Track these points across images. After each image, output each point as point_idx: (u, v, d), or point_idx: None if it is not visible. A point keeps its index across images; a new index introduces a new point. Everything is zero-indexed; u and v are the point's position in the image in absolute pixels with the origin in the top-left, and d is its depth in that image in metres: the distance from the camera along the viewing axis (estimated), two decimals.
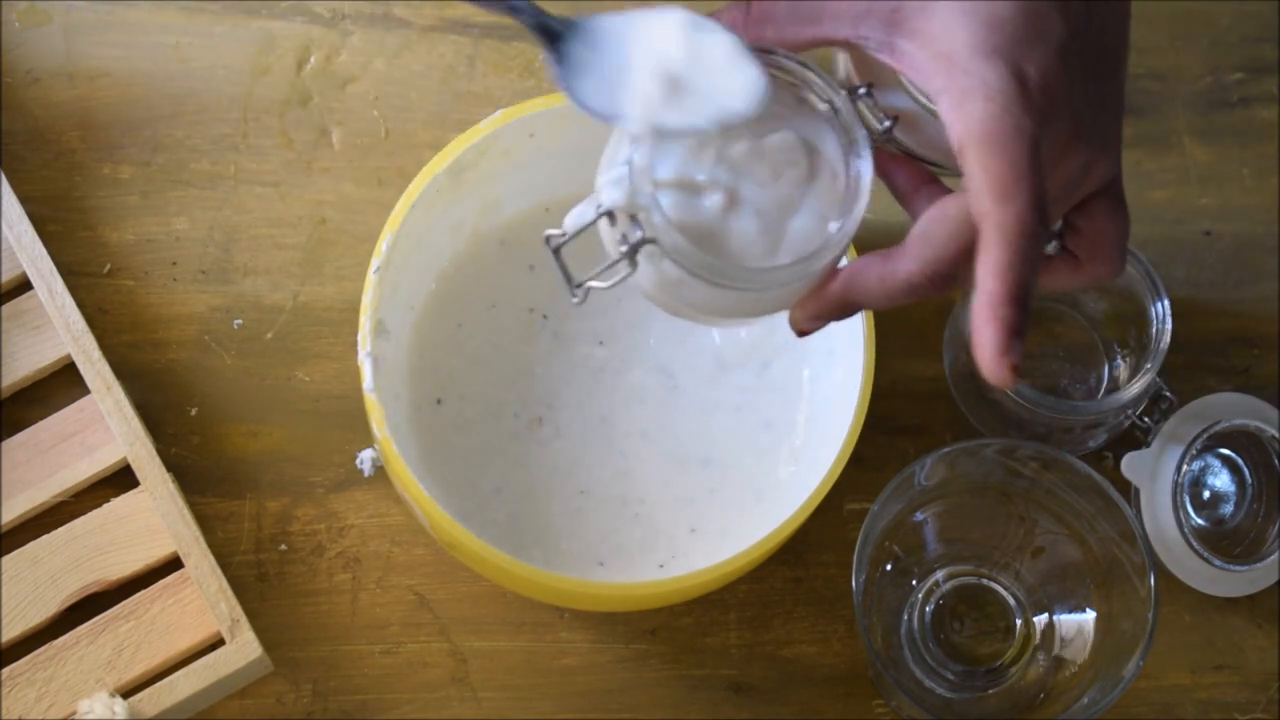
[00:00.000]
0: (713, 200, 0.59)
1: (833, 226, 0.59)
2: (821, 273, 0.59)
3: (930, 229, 0.57)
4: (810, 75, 0.59)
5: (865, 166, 0.59)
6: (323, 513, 0.79)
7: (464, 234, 0.78)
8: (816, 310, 0.60)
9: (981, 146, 0.54)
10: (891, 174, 0.61)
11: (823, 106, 0.60)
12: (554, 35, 0.60)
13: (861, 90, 0.60)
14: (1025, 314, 0.55)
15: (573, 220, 0.60)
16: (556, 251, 0.60)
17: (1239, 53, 0.88)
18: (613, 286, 0.60)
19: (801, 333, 0.61)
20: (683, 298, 0.60)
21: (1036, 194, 0.54)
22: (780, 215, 0.59)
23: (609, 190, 0.58)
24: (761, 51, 0.59)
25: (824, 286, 0.60)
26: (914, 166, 0.61)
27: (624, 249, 0.58)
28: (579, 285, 0.60)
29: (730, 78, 0.59)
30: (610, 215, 0.58)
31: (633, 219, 0.58)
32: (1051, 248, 0.61)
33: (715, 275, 0.58)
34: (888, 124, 0.60)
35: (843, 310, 0.60)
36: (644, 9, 0.61)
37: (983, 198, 0.54)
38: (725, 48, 0.59)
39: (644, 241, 0.58)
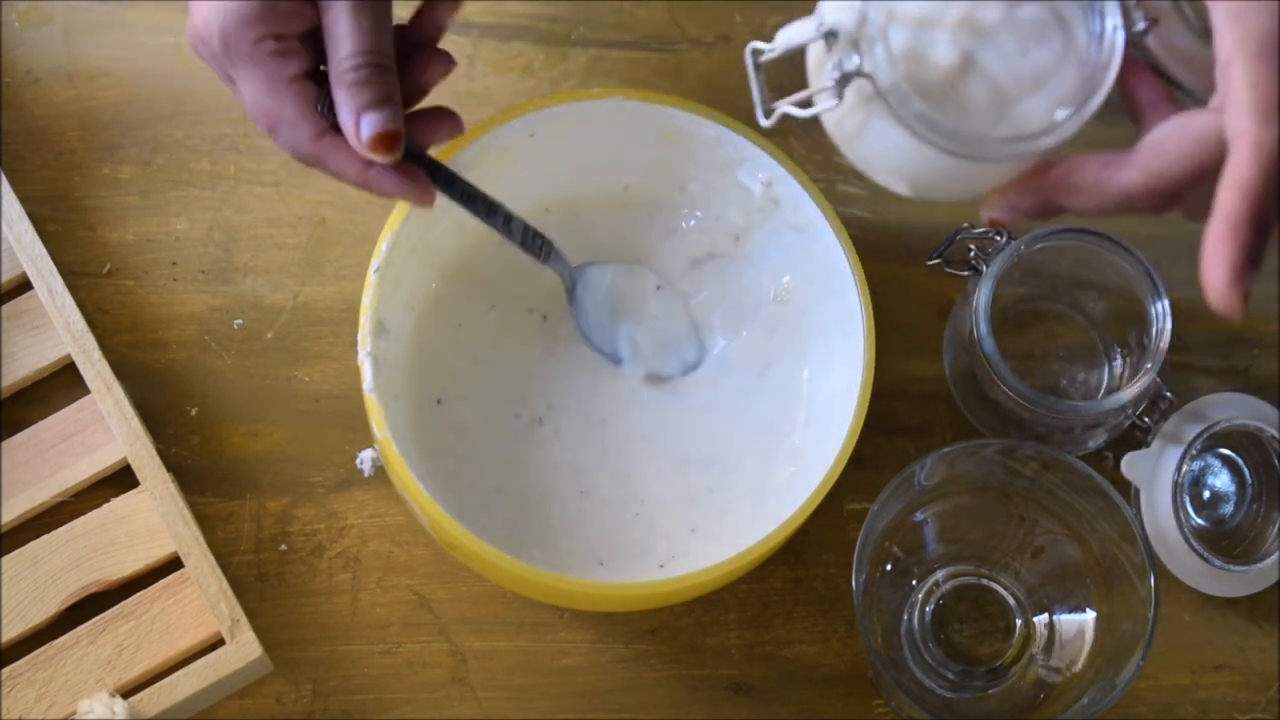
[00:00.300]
0: (948, 57, 0.55)
1: (1060, 114, 0.56)
2: (1033, 160, 0.56)
3: (1166, 141, 0.54)
4: None
5: (1115, 56, 0.56)
6: (323, 513, 0.79)
7: (464, 234, 0.78)
8: (1018, 200, 0.57)
9: (1255, 60, 0.52)
10: (1132, 85, 0.57)
11: None
12: (571, 282, 0.77)
13: None
14: (1264, 242, 0.52)
15: (786, 35, 0.56)
16: (758, 67, 0.57)
17: None
18: (809, 116, 0.56)
19: (992, 222, 0.58)
20: (878, 150, 0.57)
21: None
22: (1015, 92, 0.56)
23: (838, 11, 0.55)
24: None
25: (1030, 177, 0.56)
26: (1156, 80, 0.58)
27: (835, 76, 0.55)
28: (773, 109, 0.57)
29: (687, 333, 0.78)
30: (829, 39, 0.55)
31: (855, 47, 0.54)
32: None
33: (925, 130, 0.55)
34: (1145, 25, 0.57)
35: (1045, 207, 0.57)
36: (619, 264, 0.79)
37: (1244, 113, 0.52)
38: (682, 308, 0.79)
39: (858, 74, 0.54)
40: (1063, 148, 0.56)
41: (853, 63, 0.54)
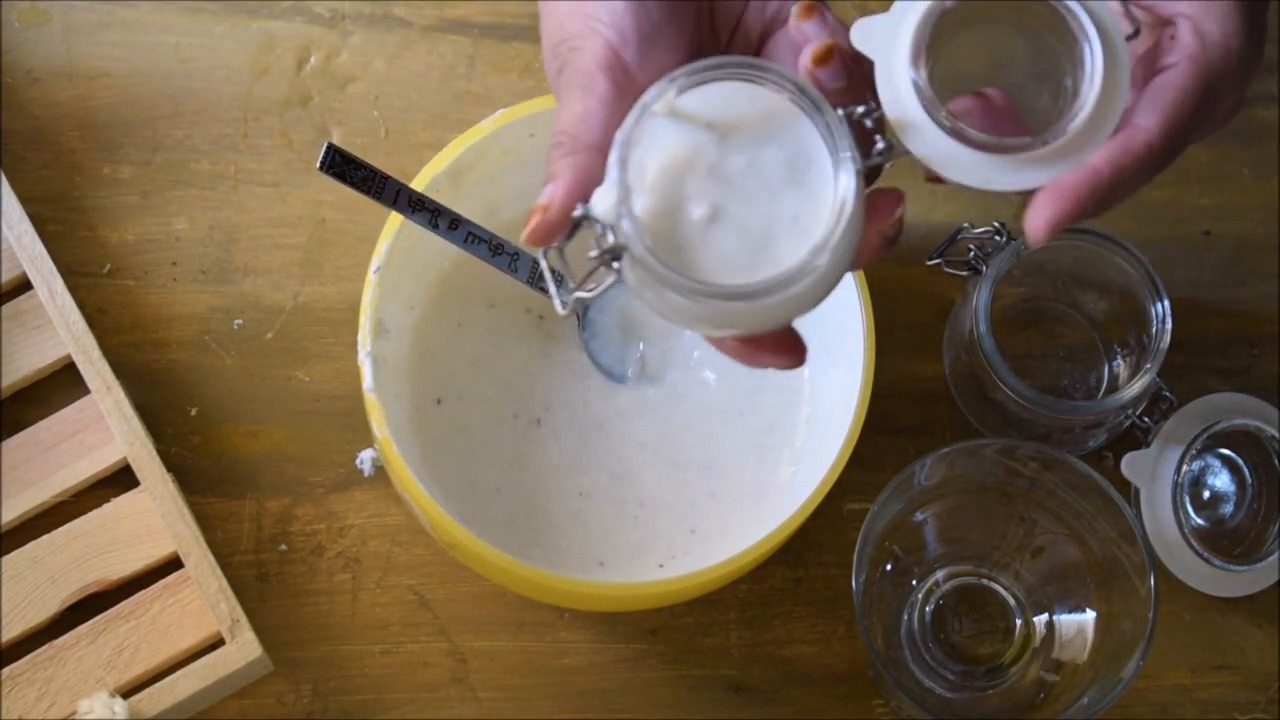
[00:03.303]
0: (696, 211, 0.57)
1: (812, 250, 0.56)
2: (799, 294, 0.57)
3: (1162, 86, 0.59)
4: (804, 91, 0.56)
5: (849, 190, 0.56)
6: (323, 513, 0.79)
7: None
8: (1075, 211, 0.58)
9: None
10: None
11: (823, 123, 0.57)
12: (585, 307, 0.78)
13: (860, 110, 0.57)
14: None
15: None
16: (551, 260, 0.59)
17: None
18: (599, 294, 0.58)
19: (1036, 242, 0.58)
20: (666, 304, 0.58)
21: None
22: (766, 234, 0.57)
23: (597, 197, 0.57)
24: (759, 70, 0.57)
25: (1082, 179, 0.57)
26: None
27: (596, 253, 0.57)
28: (566, 300, 0.59)
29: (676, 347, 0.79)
30: (586, 221, 0.57)
31: (613, 227, 0.56)
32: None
33: (676, 288, 0.56)
34: (883, 146, 0.57)
35: (1106, 205, 0.58)
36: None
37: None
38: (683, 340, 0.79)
39: (616, 248, 0.56)
40: (808, 282, 0.57)
41: (609, 240, 0.56)
